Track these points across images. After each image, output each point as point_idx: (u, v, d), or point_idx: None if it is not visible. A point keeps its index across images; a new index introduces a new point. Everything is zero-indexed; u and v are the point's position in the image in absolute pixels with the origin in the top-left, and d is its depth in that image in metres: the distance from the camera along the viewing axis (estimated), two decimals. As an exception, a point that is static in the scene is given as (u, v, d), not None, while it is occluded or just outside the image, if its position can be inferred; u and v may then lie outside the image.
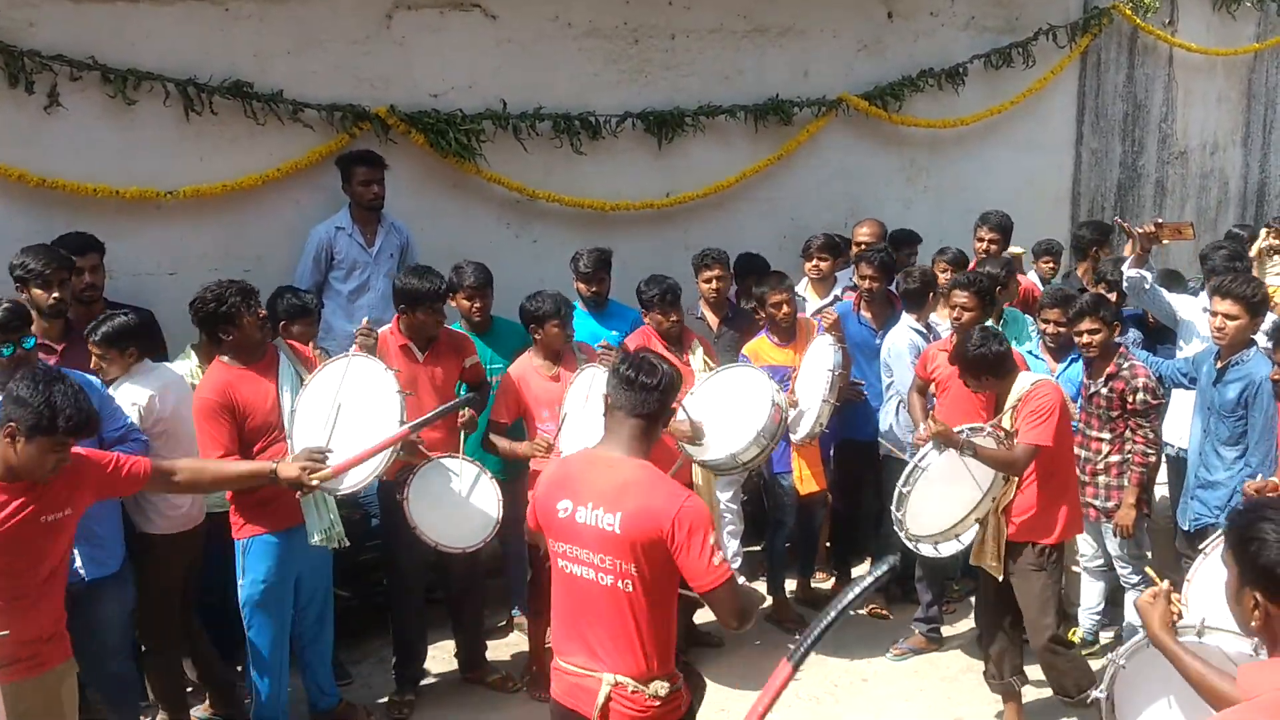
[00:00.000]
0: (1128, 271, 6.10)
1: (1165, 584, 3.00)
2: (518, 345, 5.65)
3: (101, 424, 4.27)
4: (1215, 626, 2.96)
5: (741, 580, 6.50)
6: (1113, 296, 6.15)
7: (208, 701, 5.19)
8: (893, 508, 4.81)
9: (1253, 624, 2.29)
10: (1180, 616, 2.98)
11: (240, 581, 4.73)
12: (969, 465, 4.74)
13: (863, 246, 6.98)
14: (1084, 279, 7.18)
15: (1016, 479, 4.80)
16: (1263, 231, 7.43)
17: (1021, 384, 4.78)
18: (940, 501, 4.82)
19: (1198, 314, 6.01)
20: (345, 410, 4.62)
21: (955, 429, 4.72)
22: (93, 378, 4.51)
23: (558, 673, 3.30)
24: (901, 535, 4.86)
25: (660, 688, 3.15)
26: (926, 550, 5.43)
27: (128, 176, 5.70)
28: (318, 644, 5.08)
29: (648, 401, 3.21)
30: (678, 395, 3.29)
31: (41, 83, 5.46)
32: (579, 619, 3.21)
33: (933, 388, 5.71)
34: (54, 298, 4.79)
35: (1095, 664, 5.21)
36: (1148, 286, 6.03)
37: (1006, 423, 4.76)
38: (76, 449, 3.56)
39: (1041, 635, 4.84)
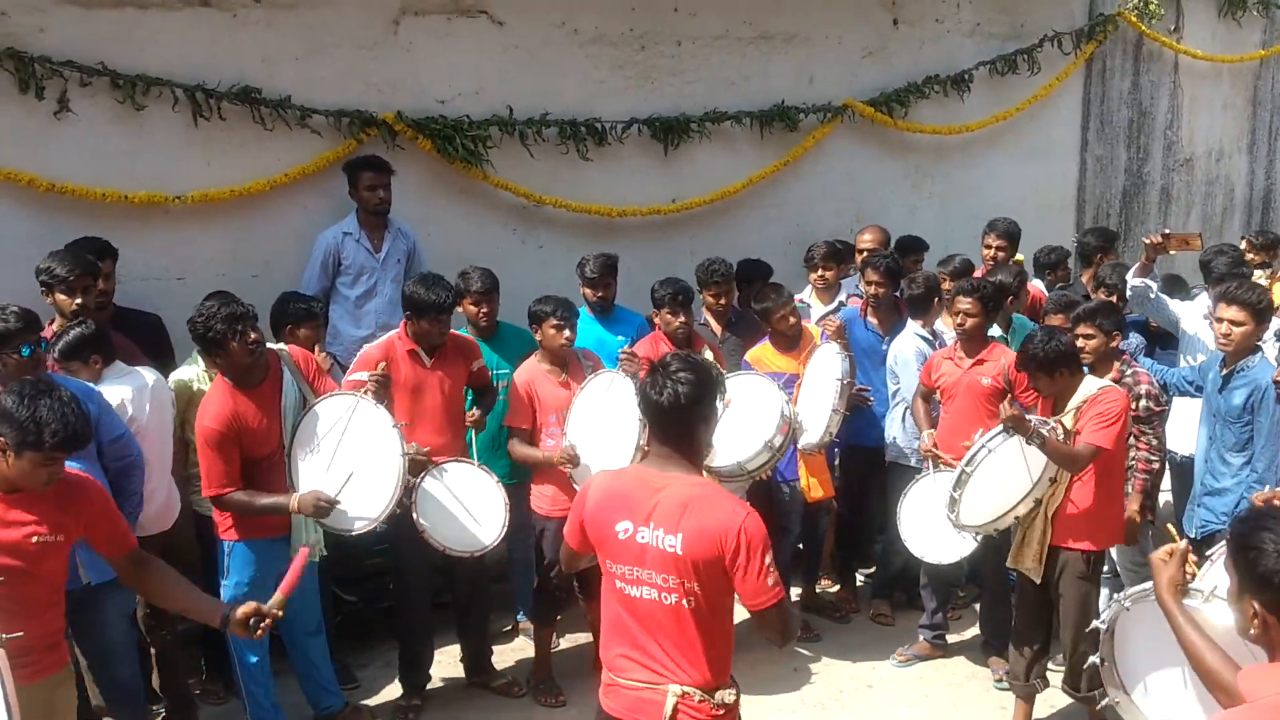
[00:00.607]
0: (1132, 280, 6.10)
1: (1183, 543, 2.98)
2: (523, 350, 5.66)
3: (98, 432, 4.31)
4: (1224, 597, 2.97)
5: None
6: (1113, 300, 6.16)
7: (164, 715, 5.16)
8: (951, 489, 4.82)
9: (1252, 631, 2.30)
10: (1193, 578, 2.99)
11: (223, 583, 4.79)
12: (1026, 458, 4.75)
13: (865, 253, 6.99)
14: (1088, 285, 7.18)
15: (1064, 484, 4.81)
16: (1242, 244, 7.39)
17: (1088, 387, 4.82)
18: (990, 491, 4.84)
19: (1201, 325, 6.02)
20: (344, 455, 4.68)
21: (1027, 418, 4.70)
22: (91, 384, 4.53)
23: (614, 689, 3.27)
24: (951, 517, 4.87)
25: (727, 696, 3.18)
26: (933, 558, 5.46)
27: (136, 181, 5.72)
28: (310, 649, 5.09)
29: (683, 416, 3.15)
30: (717, 394, 3.21)
31: (51, 88, 5.49)
32: (639, 637, 3.20)
33: (938, 395, 5.73)
34: (77, 304, 4.83)
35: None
36: (1153, 296, 6.03)
37: (1069, 422, 4.77)
38: (91, 484, 3.58)
39: (1080, 639, 4.85)
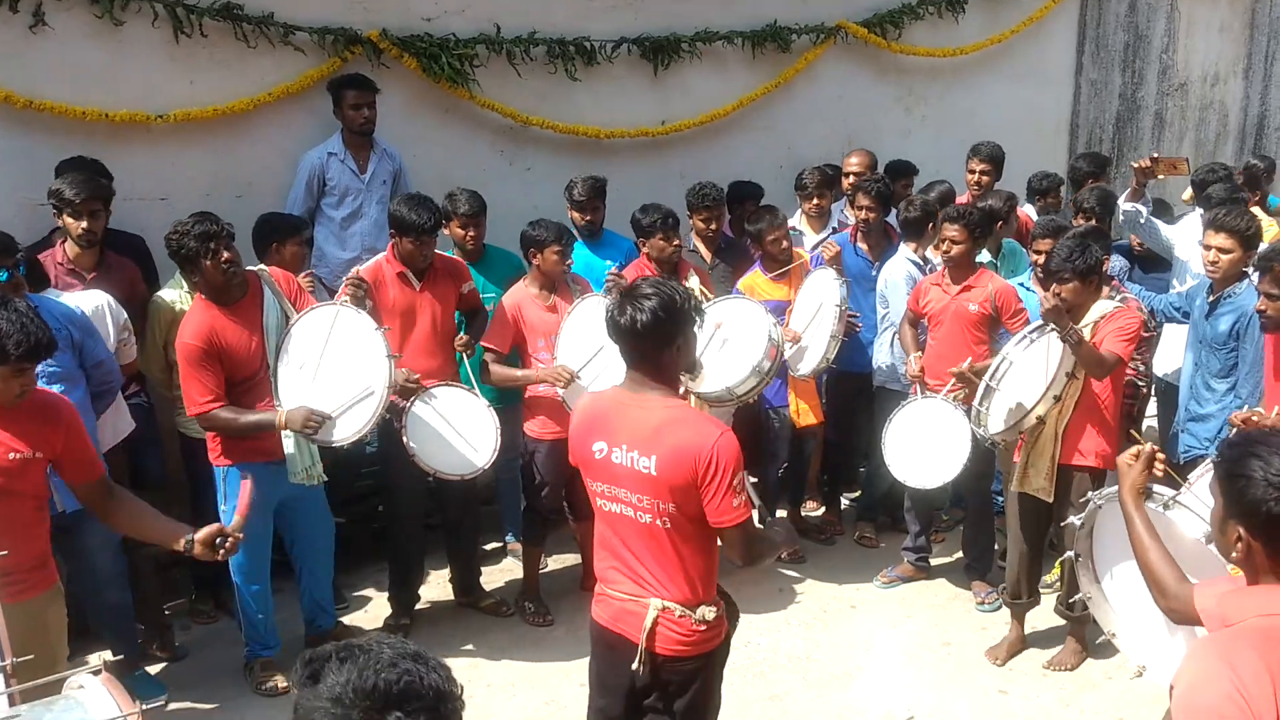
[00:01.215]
0: (1123, 205, 6.08)
1: (1149, 446, 3.04)
2: (510, 274, 5.63)
3: (82, 356, 4.30)
4: (1185, 504, 3.06)
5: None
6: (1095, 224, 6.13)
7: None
8: (976, 403, 4.84)
9: (1234, 555, 2.31)
10: (1162, 475, 3.07)
11: (221, 508, 4.78)
12: (1049, 360, 4.77)
13: (852, 177, 6.93)
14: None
15: (1072, 400, 4.84)
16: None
17: (1103, 305, 4.85)
18: (1011, 397, 4.86)
19: (1194, 250, 6.01)
20: (329, 366, 4.64)
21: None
22: (76, 307, 4.49)
23: (603, 599, 3.36)
24: (979, 431, 4.91)
25: (707, 612, 3.23)
26: (917, 482, 5.49)
27: (117, 99, 5.60)
28: (315, 566, 5.16)
29: (643, 342, 3.15)
30: (685, 320, 3.19)
31: (26, 0, 5.35)
32: (624, 551, 3.26)
33: (925, 321, 5.73)
34: (83, 227, 4.79)
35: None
36: (1143, 220, 6.01)
37: (1085, 336, 4.78)
38: (66, 404, 3.57)
39: None
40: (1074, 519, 3.68)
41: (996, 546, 5.93)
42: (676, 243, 5.67)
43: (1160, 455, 3.08)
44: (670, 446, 3.08)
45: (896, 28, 8.30)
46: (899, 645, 5.45)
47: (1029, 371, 4.82)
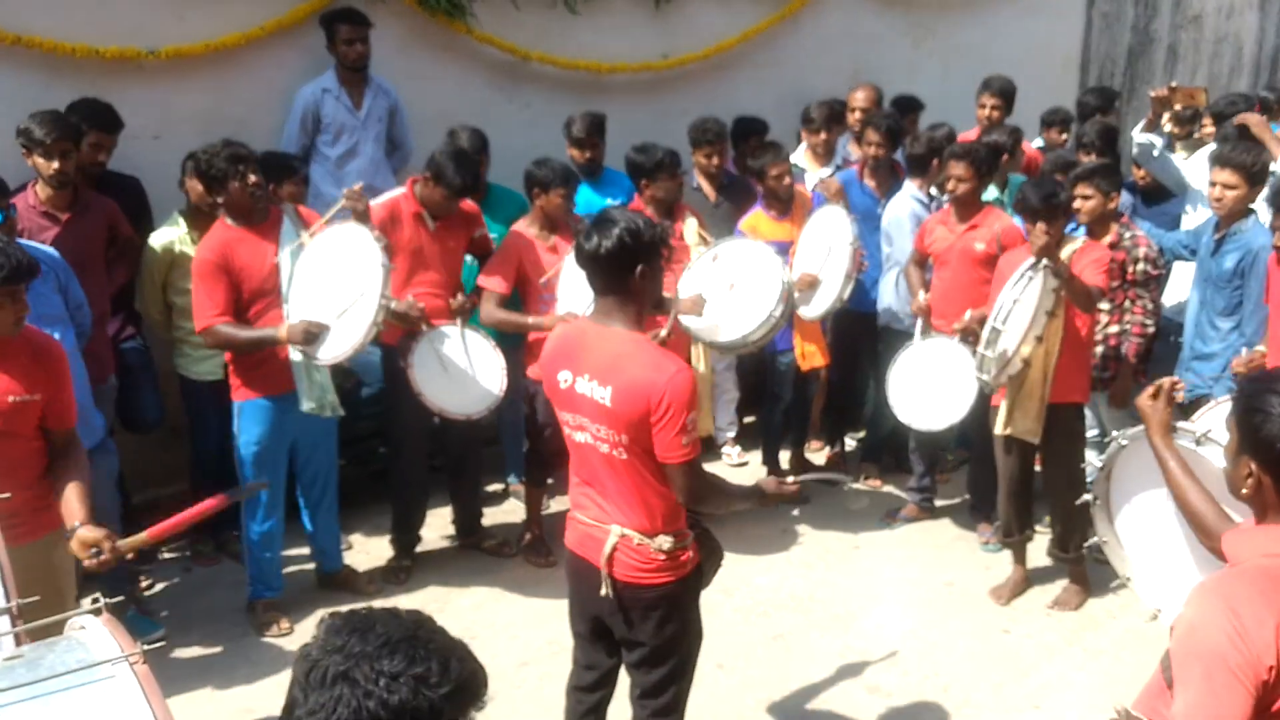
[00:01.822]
0: (1136, 136, 5.98)
1: (1168, 381, 2.98)
2: (514, 214, 5.55)
3: (66, 297, 4.26)
4: (1215, 440, 2.95)
5: (737, 457, 6.62)
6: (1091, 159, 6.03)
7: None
8: (982, 349, 4.77)
9: (1244, 490, 2.29)
10: (1180, 399, 3.01)
11: (236, 442, 4.83)
12: (1031, 301, 4.74)
13: (858, 113, 6.80)
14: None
15: (1058, 339, 4.82)
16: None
17: (1074, 242, 4.93)
18: (1003, 341, 4.83)
19: (1206, 182, 5.91)
20: (332, 283, 4.61)
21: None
22: (51, 249, 4.42)
23: (572, 523, 3.43)
24: (985, 378, 4.87)
25: (665, 542, 3.23)
26: (923, 424, 5.45)
27: (107, 35, 5.49)
28: (321, 507, 5.16)
29: (608, 268, 3.16)
30: (651, 250, 3.18)
31: (14, -65, 5.24)
32: (588, 478, 3.32)
33: (931, 260, 5.65)
34: (54, 168, 4.67)
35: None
36: (1156, 153, 5.90)
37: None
38: (58, 347, 3.52)
39: (1079, 490, 4.91)
40: (1094, 460, 3.62)
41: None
42: (679, 183, 5.56)
43: (1178, 382, 3.01)
44: (626, 380, 3.09)
45: (905, -42, 8.13)
46: (902, 585, 5.44)
47: (1019, 314, 4.77)
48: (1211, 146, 6.16)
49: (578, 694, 3.62)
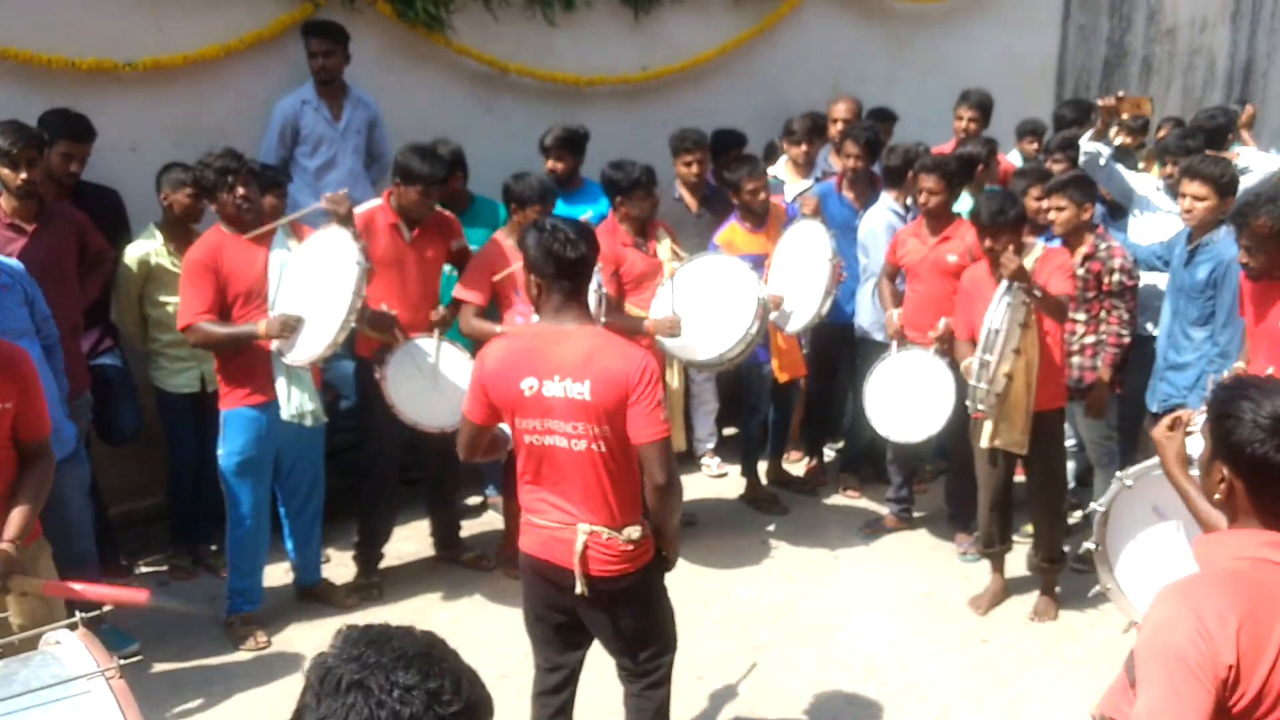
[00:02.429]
0: (1085, 145, 6.01)
1: (1184, 413, 2.98)
2: (498, 224, 5.56)
3: (33, 309, 4.24)
4: None
5: (717, 468, 6.62)
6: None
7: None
8: (974, 381, 4.81)
9: (1216, 496, 2.32)
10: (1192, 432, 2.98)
11: (220, 451, 4.82)
12: (1005, 318, 4.77)
13: (841, 124, 6.84)
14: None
15: (1035, 349, 4.84)
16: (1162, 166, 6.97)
17: (1035, 249, 4.99)
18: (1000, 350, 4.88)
19: (1152, 190, 5.99)
20: (313, 285, 4.64)
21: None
22: (15, 262, 4.37)
23: (531, 529, 3.46)
24: (981, 407, 4.87)
25: (633, 532, 3.36)
26: (901, 436, 5.48)
27: (84, 47, 5.45)
28: (303, 519, 5.13)
29: (576, 274, 3.33)
30: (598, 250, 3.45)
31: (-10, -54, 5.21)
32: (550, 481, 3.37)
33: (903, 272, 5.68)
34: (22, 178, 4.61)
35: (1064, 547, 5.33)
36: (1103, 162, 5.95)
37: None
38: (26, 356, 3.48)
39: (1063, 496, 5.15)
40: (1096, 505, 3.62)
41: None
42: (656, 200, 5.57)
43: (1188, 414, 2.99)
44: (601, 370, 3.22)
45: (883, -29, 8.18)
46: (881, 596, 5.45)
47: (1002, 340, 4.79)
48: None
49: (544, 699, 3.68)
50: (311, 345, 4.63)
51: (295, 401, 4.77)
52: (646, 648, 3.56)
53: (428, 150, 5.12)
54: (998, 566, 5.34)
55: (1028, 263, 4.85)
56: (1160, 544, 3.41)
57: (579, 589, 3.34)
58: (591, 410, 3.22)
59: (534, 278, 3.35)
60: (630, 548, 3.35)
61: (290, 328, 4.60)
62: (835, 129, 6.86)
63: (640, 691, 3.61)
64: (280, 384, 4.75)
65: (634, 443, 3.25)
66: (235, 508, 4.88)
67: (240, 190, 4.67)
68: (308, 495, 5.11)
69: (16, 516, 3.34)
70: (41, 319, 4.29)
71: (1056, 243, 5.43)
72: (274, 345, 4.67)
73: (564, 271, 3.30)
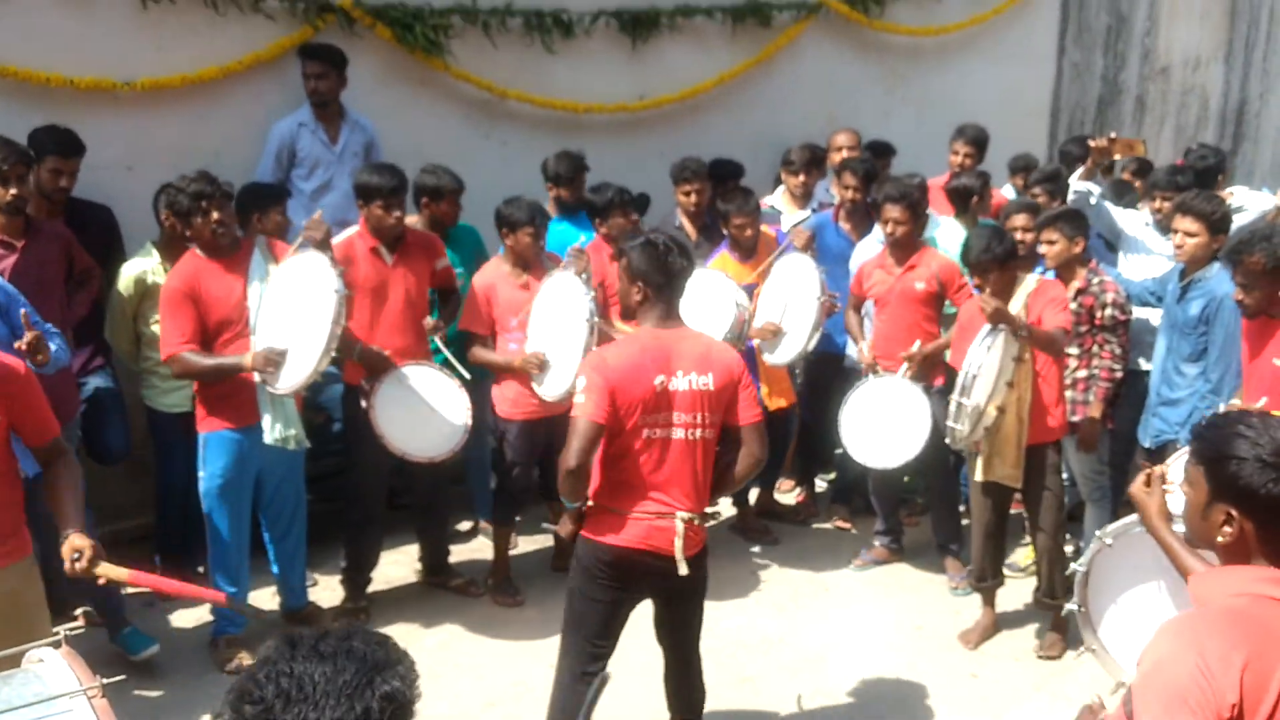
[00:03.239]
0: (1075, 184, 6.05)
1: (1160, 469, 2.92)
2: (471, 248, 5.59)
3: (10, 317, 4.20)
4: None
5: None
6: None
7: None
8: (951, 420, 4.81)
9: (1219, 540, 2.26)
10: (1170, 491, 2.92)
11: (200, 474, 4.77)
12: (998, 353, 4.78)
13: (844, 152, 6.89)
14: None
15: (1028, 383, 4.86)
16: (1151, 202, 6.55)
17: (1028, 283, 4.99)
18: (981, 392, 4.85)
19: (1141, 228, 6.01)
20: (294, 313, 4.58)
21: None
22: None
23: (627, 522, 3.69)
24: (960, 434, 4.86)
25: (711, 513, 3.85)
26: (877, 462, 5.46)
27: (82, 65, 5.48)
28: (287, 542, 5.10)
29: (681, 286, 3.76)
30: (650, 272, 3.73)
31: (-9, -36, 5.23)
32: (656, 475, 3.68)
33: (872, 303, 5.70)
34: (11, 194, 4.61)
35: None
36: (1093, 201, 5.97)
37: (1022, 318, 4.80)
38: (16, 366, 3.45)
39: (1061, 532, 5.14)
40: (1076, 566, 3.60)
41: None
42: (635, 218, 5.58)
43: (1163, 469, 2.92)
44: (719, 362, 3.71)
45: (879, 5, 8.25)
46: (872, 628, 5.43)
47: (987, 372, 4.81)
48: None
49: (588, 678, 3.80)
50: (294, 375, 4.57)
51: (278, 426, 4.74)
52: (697, 621, 4.03)
53: (380, 164, 5.15)
54: (989, 600, 5.31)
55: (1020, 297, 4.86)
56: (1143, 602, 3.39)
57: (683, 571, 3.67)
58: (712, 399, 3.67)
59: (640, 285, 3.70)
60: (706, 526, 3.83)
61: (274, 362, 4.54)
62: (837, 158, 6.89)
63: (690, 648, 4.04)
64: (265, 407, 4.71)
65: (741, 423, 3.73)
66: (215, 530, 4.82)
67: (215, 215, 4.58)
68: (290, 519, 5.06)
69: (70, 507, 3.33)
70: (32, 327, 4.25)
71: (1052, 274, 5.45)
72: (256, 376, 4.62)
73: (672, 281, 3.70)
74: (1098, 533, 3.56)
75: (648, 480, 3.67)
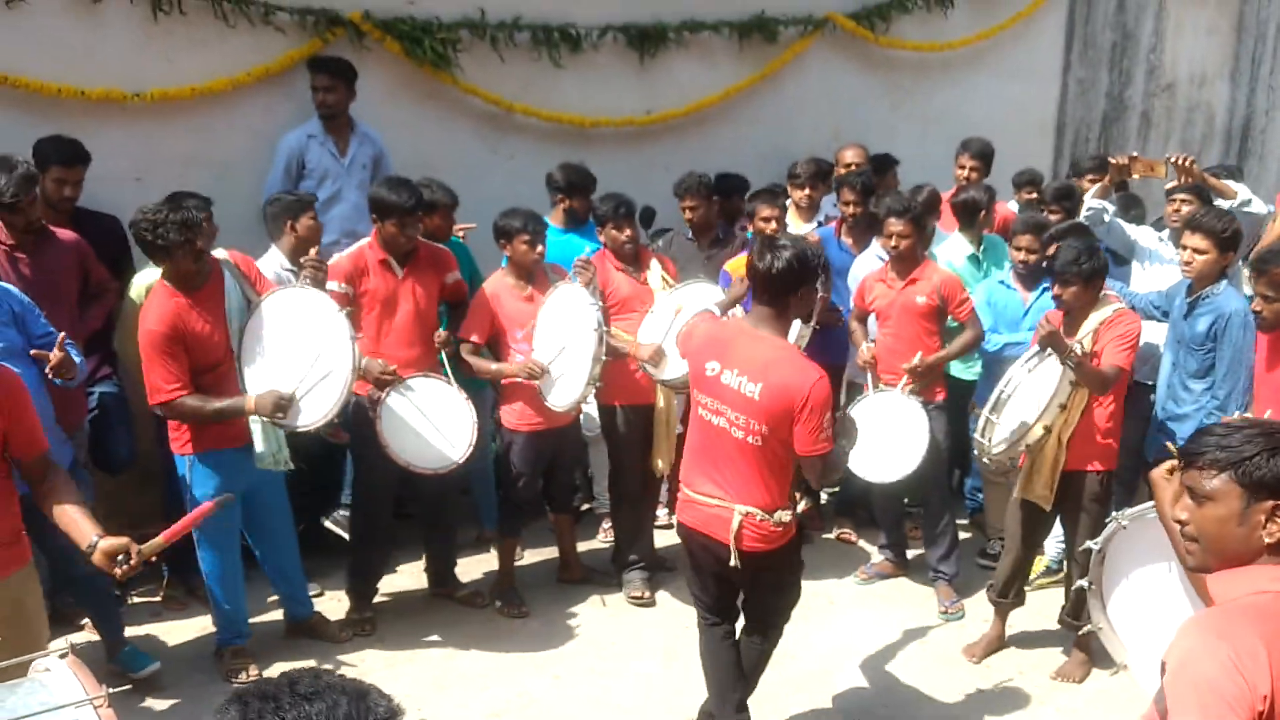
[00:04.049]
0: (1089, 201, 6.04)
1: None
2: (463, 263, 5.59)
3: (26, 327, 4.26)
4: None
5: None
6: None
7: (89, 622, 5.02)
8: (987, 411, 4.82)
9: (1268, 540, 2.21)
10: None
11: (187, 496, 4.71)
12: (1047, 379, 4.76)
13: (854, 166, 6.92)
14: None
15: (1078, 409, 4.81)
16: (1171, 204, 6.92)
17: (1103, 310, 4.83)
18: (1013, 418, 4.85)
19: (1155, 241, 6.01)
20: (292, 349, 4.57)
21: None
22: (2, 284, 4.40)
23: (688, 503, 3.98)
24: (982, 442, 4.89)
25: (784, 515, 3.87)
26: (875, 476, 5.41)
27: (93, 77, 5.53)
28: (280, 555, 5.09)
29: (772, 284, 3.78)
30: (813, 271, 3.84)
31: (3, -25, 5.27)
32: (712, 459, 3.86)
33: (874, 317, 5.70)
34: (23, 220, 4.66)
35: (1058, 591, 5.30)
36: (1107, 219, 5.97)
37: (1087, 344, 4.77)
38: (12, 377, 3.46)
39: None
40: (1091, 543, 3.61)
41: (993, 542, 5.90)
42: (629, 233, 5.56)
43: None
44: (776, 380, 3.68)
45: (885, 21, 8.26)
46: (876, 642, 5.41)
47: (1034, 390, 4.79)
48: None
49: (710, 629, 4.24)
50: (303, 418, 4.58)
51: (270, 449, 4.73)
52: (770, 610, 4.19)
53: (398, 180, 5.13)
54: (1001, 615, 5.29)
55: (1092, 321, 4.79)
56: (1153, 587, 3.39)
57: (733, 562, 3.83)
58: (756, 409, 3.70)
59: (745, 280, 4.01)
60: (779, 529, 3.85)
61: (283, 408, 4.49)
62: (841, 173, 6.92)
63: (753, 640, 4.24)
64: (256, 430, 4.68)
65: (798, 452, 3.74)
66: (208, 546, 4.80)
67: (200, 243, 4.41)
68: (281, 531, 5.02)
69: (78, 515, 3.30)
70: (41, 336, 4.27)
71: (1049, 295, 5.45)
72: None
73: (760, 283, 3.80)
74: (1114, 514, 3.57)
75: (709, 461, 3.88)
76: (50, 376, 4.19)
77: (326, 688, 1.60)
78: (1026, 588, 5.39)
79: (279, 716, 1.56)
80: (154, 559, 3.30)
